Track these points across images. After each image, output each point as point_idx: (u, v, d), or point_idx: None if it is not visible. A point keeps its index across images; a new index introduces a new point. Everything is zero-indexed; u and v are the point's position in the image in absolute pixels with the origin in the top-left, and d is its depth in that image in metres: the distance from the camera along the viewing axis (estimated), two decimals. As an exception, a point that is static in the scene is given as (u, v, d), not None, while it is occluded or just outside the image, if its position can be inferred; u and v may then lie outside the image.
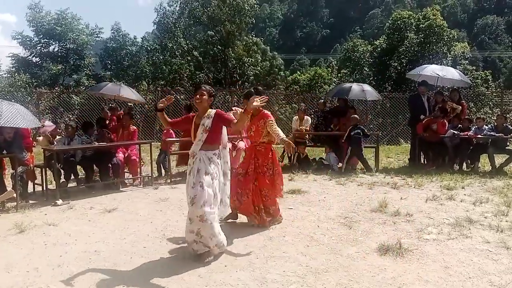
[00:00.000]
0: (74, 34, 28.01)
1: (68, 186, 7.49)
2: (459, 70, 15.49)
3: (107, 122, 8.82)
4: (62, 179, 7.29)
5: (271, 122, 5.08)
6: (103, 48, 33.47)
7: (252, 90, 5.30)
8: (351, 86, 10.33)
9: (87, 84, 24.06)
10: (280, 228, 5.11)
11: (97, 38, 31.28)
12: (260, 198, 5.14)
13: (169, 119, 4.58)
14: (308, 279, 3.67)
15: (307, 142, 10.26)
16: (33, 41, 28.18)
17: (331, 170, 8.96)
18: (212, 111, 4.28)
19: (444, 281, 3.59)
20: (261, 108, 5.05)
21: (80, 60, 28.68)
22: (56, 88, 18.84)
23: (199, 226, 4.01)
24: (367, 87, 10.39)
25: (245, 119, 4.33)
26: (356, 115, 9.26)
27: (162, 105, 4.38)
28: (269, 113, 5.24)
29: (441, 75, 9.65)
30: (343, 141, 9.15)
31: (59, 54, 28.65)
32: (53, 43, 28.54)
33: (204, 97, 4.27)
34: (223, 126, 4.37)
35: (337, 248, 4.43)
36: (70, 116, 15.96)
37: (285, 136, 5.04)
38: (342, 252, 4.31)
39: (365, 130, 9.12)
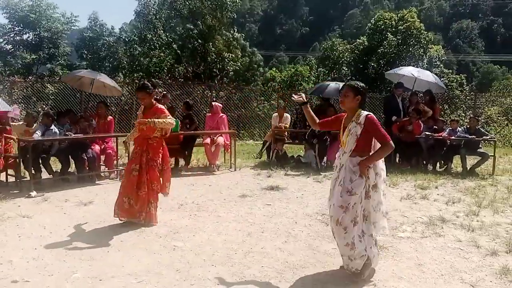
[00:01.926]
0: (49, 22, 27.29)
1: (43, 178, 7.33)
2: (436, 73, 15.87)
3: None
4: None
5: (163, 116, 5.01)
6: (79, 37, 32.74)
7: (140, 85, 5.14)
8: (328, 85, 10.43)
9: (61, 74, 23.49)
10: (258, 224, 5.15)
11: (73, 27, 30.55)
12: (152, 192, 5.06)
13: (317, 119, 4.00)
14: (286, 275, 3.72)
15: (286, 139, 10.32)
16: (6, 28, 27.34)
17: (309, 168, 9.05)
18: (363, 114, 3.57)
19: (418, 278, 3.69)
20: (154, 102, 5.11)
21: (55, 49, 27.98)
22: (30, 77, 18.33)
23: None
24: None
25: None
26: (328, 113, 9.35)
27: (301, 99, 3.97)
28: (163, 108, 5.19)
29: (416, 75, 9.87)
30: (306, 137, 9.32)
31: (33, 42, 27.89)
32: (27, 31, 27.75)
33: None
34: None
35: (314, 244, 4.50)
36: (44, 106, 15.55)
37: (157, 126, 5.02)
38: (319, 248, 4.38)
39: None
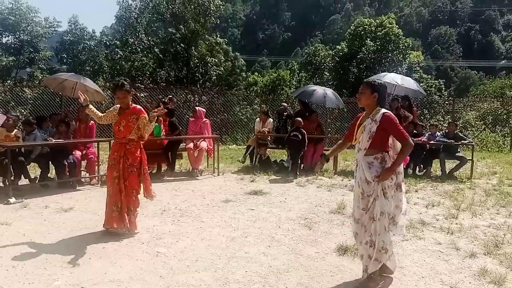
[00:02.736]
0: (30, 26, 26.87)
1: (21, 183, 7.19)
2: (415, 78, 16.14)
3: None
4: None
5: (144, 120, 4.84)
6: (60, 41, 32.31)
7: (120, 84, 4.85)
8: (315, 90, 10.37)
9: (41, 78, 23.12)
10: (242, 229, 5.15)
11: (54, 31, 30.16)
12: (131, 199, 4.90)
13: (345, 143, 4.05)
14: (270, 279, 3.73)
15: (269, 143, 10.36)
16: (-16, 31, 26.87)
17: (291, 172, 9.09)
18: (380, 111, 3.54)
19: (399, 281, 3.75)
20: (132, 103, 4.94)
21: (35, 53, 27.54)
22: (8, 81, 18.00)
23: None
24: (330, 93, 10.37)
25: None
26: (299, 119, 9.43)
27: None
28: (142, 108, 4.99)
29: (399, 83, 9.98)
30: (284, 142, 9.41)
31: (13, 45, 27.40)
32: (7, 34, 27.26)
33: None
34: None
35: (297, 248, 4.53)
36: (22, 110, 15.27)
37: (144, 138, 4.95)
38: (302, 252, 4.41)
39: (305, 135, 9.20)
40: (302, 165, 9.43)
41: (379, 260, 3.52)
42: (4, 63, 25.68)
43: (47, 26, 29.18)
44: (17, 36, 27.21)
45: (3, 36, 27.45)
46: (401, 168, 3.62)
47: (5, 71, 25.78)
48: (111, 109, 5.00)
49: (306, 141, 9.15)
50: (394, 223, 3.59)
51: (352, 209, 3.76)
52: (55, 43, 32.64)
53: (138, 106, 4.98)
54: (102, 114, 5.01)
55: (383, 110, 3.51)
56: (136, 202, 4.96)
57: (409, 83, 10.26)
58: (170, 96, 11.96)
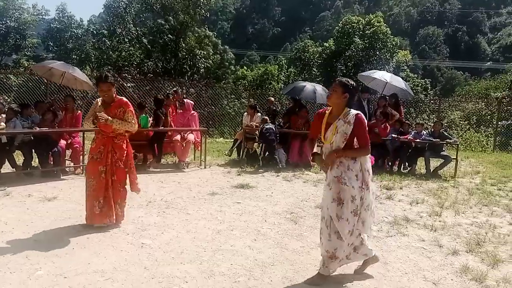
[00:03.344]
0: (17, 12, 26.36)
1: (3, 171, 7.06)
2: (402, 77, 16.26)
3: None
4: None
5: (129, 114, 4.73)
6: (47, 29, 31.78)
7: (103, 76, 4.63)
8: (304, 86, 10.40)
9: (27, 65, 22.72)
10: (228, 222, 5.14)
11: (42, 19, 29.66)
12: (118, 193, 4.80)
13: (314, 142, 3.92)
14: (255, 272, 3.74)
15: (257, 138, 10.35)
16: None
17: (279, 167, 9.10)
18: (351, 112, 3.55)
19: (383, 276, 3.79)
20: (116, 95, 4.78)
21: (21, 40, 27.04)
22: (-8, 68, 17.64)
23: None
24: (320, 89, 10.42)
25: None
26: (266, 117, 9.72)
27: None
28: (128, 102, 4.84)
29: (388, 80, 10.05)
30: (258, 137, 9.51)
31: (-1, 32, 26.91)
32: (-7, 20, 26.74)
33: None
34: None
35: (283, 242, 4.54)
36: (6, 97, 14.98)
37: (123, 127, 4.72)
38: (288, 246, 4.42)
39: (276, 129, 9.37)
40: (288, 160, 9.46)
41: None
42: None
43: (35, 13, 28.68)
44: (3, 22, 26.66)
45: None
46: (369, 165, 3.66)
47: (-10, 58, 25.32)
48: (92, 106, 4.82)
49: (277, 136, 9.30)
50: (362, 222, 3.59)
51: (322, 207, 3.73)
52: (42, 31, 32.08)
53: (124, 98, 4.81)
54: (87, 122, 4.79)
55: (355, 111, 3.54)
56: (124, 194, 4.88)
57: (399, 82, 10.33)
58: (175, 88, 11.87)
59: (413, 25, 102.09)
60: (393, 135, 9.34)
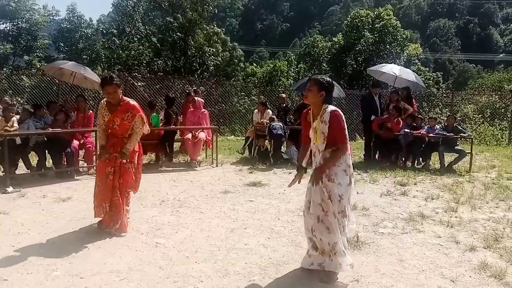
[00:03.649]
0: (28, 14, 26.65)
1: (18, 173, 7.14)
2: (413, 71, 16.07)
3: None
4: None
5: (138, 121, 4.53)
6: (57, 29, 32.09)
7: (108, 77, 4.43)
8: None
9: (39, 66, 22.95)
10: (241, 220, 5.13)
11: (52, 19, 29.97)
12: (124, 197, 4.60)
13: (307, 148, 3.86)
14: (269, 271, 3.72)
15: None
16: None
17: (291, 164, 9.07)
18: (327, 110, 3.49)
19: (399, 274, 3.74)
20: (123, 97, 4.53)
21: (33, 41, 27.33)
22: (4, 69, 17.83)
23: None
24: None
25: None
26: (273, 116, 9.78)
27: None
28: (137, 105, 4.57)
29: (397, 74, 9.93)
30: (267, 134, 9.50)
31: (11, 33, 27.18)
32: (5, 21, 27.01)
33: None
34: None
35: (297, 240, 4.51)
36: (19, 99, 15.14)
37: (131, 144, 4.55)
38: (302, 244, 4.39)
39: (284, 126, 9.40)
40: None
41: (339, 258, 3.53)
42: (2, 51, 25.47)
43: (46, 14, 28.97)
44: (15, 24, 26.97)
45: (1, 23, 27.23)
46: (350, 161, 3.62)
47: (3, 59, 25.59)
48: (99, 109, 4.61)
49: (286, 132, 9.34)
50: (348, 217, 3.60)
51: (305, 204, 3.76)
52: (53, 31, 32.41)
53: (132, 101, 4.56)
54: (100, 131, 4.66)
55: (330, 108, 3.47)
56: (129, 200, 4.72)
57: (408, 74, 10.20)
58: (195, 87, 11.98)
59: (423, 17, 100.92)
60: (406, 130, 9.23)
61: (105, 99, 4.55)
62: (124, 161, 4.52)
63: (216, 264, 3.83)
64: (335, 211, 3.46)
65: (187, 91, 10.89)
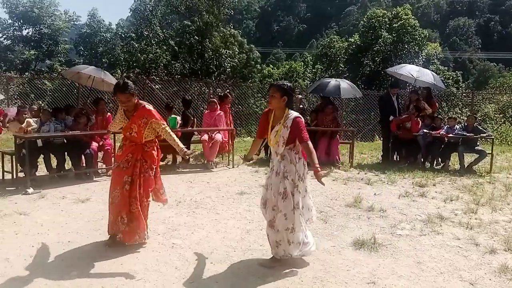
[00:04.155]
0: (50, 19, 27.29)
1: (38, 174, 7.28)
2: (432, 70, 15.84)
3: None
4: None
5: (159, 123, 4.19)
6: (78, 34, 32.80)
7: (121, 85, 4.05)
8: (329, 82, 10.27)
9: (60, 70, 23.45)
10: (257, 221, 5.13)
11: (74, 23, 30.67)
12: (144, 208, 4.25)
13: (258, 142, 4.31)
14: (284, 273, 3.70)
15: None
16: (6, 23, 27.30)
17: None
18: (290, 116, 3.70)
19: (417, 276, 3.69)
20: (139, 101, 4.21)
21: (54, 46, 27.95)
22: (27, 73, 18.25)
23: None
24: (344, 84, 10.29)
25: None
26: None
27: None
28: (152, 109, 4.23)
29: (415, 76, 9.76)
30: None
31: (33, 38, 27.87)
32: (28, 26, 27.74)
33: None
34: None
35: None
36: (41, 102, 15.48)
37: (183, 146, 4.32)
38: (318, 246, 4.35)
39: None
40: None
41: (296, 242, 3.74)
42: (26, 56, 26.11)
43: (67, 19, 29.64)
44: (37, 29, 27.64)
45: (24, 28, 27.95)
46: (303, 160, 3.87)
47: (25, 63, 26.22)
48: (117, 114, 4.34)
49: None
50: (309, 209, 3.90)
51: (264, 197, 3.89)
52: (74, 36, 33.15)
53: (147, 106, 4.21)
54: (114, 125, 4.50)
55: (293, 115, 3.69)
56: (148, 206, 4.37)
57: (427, 76, 9.97)
58: (228, 91, 12.23)
59: (442, 16, 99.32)
60: (425, 130, 9.10)
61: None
62: (146, 166, 4.20)
63: (232, 265, 3.84)
64: (290, 206, 3.67)
65: (219, 94, 11.29)
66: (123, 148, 4.29)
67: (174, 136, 4.29)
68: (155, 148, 4.37)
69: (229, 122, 10.18)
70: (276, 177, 3.75)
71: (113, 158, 7.98)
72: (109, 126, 4.52)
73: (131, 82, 4.10)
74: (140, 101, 4.27)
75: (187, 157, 4.62)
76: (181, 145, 4.27)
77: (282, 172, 3.72)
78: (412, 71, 9.89)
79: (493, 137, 9.74)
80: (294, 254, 3.77)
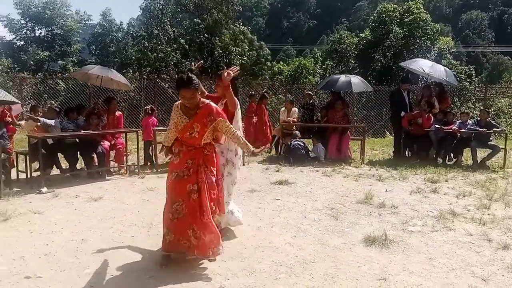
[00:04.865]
0: (62, 20, 27.62)
1: (52, 174, 7.39)
2: (444, 65, 15.65)
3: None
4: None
5: (226, 123, 3.79)
6: (91, 33, 33.16)
7: (186, 80, 3.53)
8: (339, 78, 10.25)
9: (72, 70, 23.71)
10: (267, 219, 5.15)
11: (86, 23, 31.00)
12: (213, 216, 3.84)
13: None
14: (296, 269, 3.72)
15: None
16: (19, 24, 27.66)
17: (318, 162, 9.02)
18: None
19: (428, 273, 3.67)
20: (201, 99, 3.76)
21: (67, 46, 28.27)
22: (39, 74, 18.47)
23: None
24: (355, 79, 10.28)
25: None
26: (297, 132, 9.78)
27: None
28: (216, 106, 3.84)
29: (427, 72, 9.65)
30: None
31: (45, 39, 28.21)
32: (40, 27, 28.10)
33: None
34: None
35: (324, 239, 4.49)
36: (53, 102, 15.66)
37: (247, 142, 3.96)
38: (329, 242, 4.37)
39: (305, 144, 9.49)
40: (326, 155, 9.35)
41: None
42: (39, 56, 26.45)
43: (78, 19, 29.96)
44: (49, 30, 27.98)
45: (38, 29, 28.30)
46: (233, 145, 4.36)
47: (39, 63, 26.57)
48: (173, 112, 3.80)
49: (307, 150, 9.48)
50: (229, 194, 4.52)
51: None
52: (88, 36, 33.51)
53: (212, 104, 3.79)
54: (169, 135, 3.95)
55: (205, 102, 3.77)
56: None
57: (439, 72, 9.79)
58: (265, 91, 12.62)
59: (455, 10, 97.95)
60: (437, 126, 9.01)
61: (179, 101, 3.78)
62: (207, 171, 3.77)
63: (243, 262, 3.86)
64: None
65: (264, 92, 12.37)
66: (181, 155, 3.79)
67: (240, 135, 3.93)
68: (215, 151, 3.94)
69: (266, 121, 10.95)
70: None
71: (124, 157, 8.07)
72: (166, 138, 4.02)
73: (194, 76, 3.62)
74: (203, 99, 3.81)
75: (257, 154, 4.68)
76: (249, 145, 3.94)
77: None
78: (424, 66, 9.77)
79: (506, 131, 9.62)
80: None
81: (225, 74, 4.11)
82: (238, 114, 4.38)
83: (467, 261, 3.90)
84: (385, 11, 28.84)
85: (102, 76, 9.11)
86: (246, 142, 3.94)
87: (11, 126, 7.57)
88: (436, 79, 9.95)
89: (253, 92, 13.31)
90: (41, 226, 4.77)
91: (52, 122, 7.25)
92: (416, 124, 9.21)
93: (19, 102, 6.74)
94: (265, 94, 11.59)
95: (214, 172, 3.83)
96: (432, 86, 10.13)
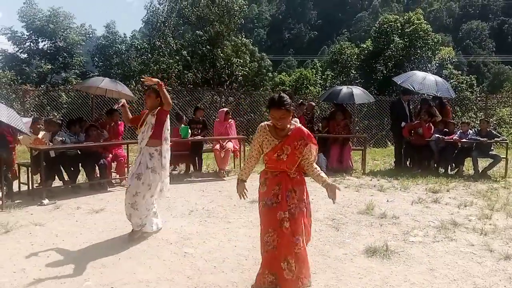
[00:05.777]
0: (65, 32, 27.91)
1: (54, 186, 7.40)
2: (445, 75, 15.65)
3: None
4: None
5: (312, 150, 3.44)
6: (95, 45, 33.49)
7: (277, 100, 3.24)
8: (341, 90, 10.26)
9: (75, 83, 23.86)
10: (268, 230, 5.13)
11: (90, 36, 31.30)
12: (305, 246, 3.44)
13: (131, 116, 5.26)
14: (296, 281, 3.70)
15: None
16: (22, 37, 27.91)
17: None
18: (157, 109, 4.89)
19: (430, 283, 3.66)
20: (291, 122, 3.40)
21: (70, 59, 28.50)
22: (42, 86, 18.59)
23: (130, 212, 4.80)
24: (357, 90, 10.28)
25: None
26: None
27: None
28: (308, 131, 3.47)
29: (416, 89, 9.51)
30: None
31: (49, 51, 28.43)
32: (43, 39, 28.36)
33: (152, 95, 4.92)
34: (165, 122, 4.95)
35: (325, 249, 4.48)
36: (56, 114, 15.74)
37: (324, 175, 3.55)
38: (330, 253, 4.36)
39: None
40: (327, 165, 9.34)
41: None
42: (42, 69, 26.67)
43: (82, 32, 30.25)
44: (53, 42, 28.25)
45: (41, 40, 28.57)
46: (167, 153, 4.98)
47: (41, 76, 26.76)
48: (258, 139, 3.50)
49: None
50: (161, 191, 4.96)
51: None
52: (92, 47, 33.84)
53: (304, 128, 3.48)
54: (249, 164, 3.84)
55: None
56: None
57: (428, 87, 9.47)
58: (301, 100, 12.40)
59: (455, 20, 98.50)
60: (438, 136, 9.02)
61: (267, 122, 3.51)
62: (296, 198, 3.44)
63: (243, 274, 3.85)
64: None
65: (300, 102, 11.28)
66: (267, 182, 3.54)
67: (318, 169, 3.56)
68: (302, 174, 3.57)
69: None
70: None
71: (126, 169, 8.08)
72: (244, 169, 3.92)
73: (287, 97, 3.31)
74: (293, 123, 3.48)
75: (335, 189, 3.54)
76: (326, 178, 3.55)
77: None
78: (414, 83, 9.47)
79: (507, 141, 9.61)
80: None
81: (146, 78, 4.79)
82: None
83: (469, 272, 3.89)
84: (386, 22, 29.02)
85: (107, 89, 9.15)
86: (324, 175, 3.54)
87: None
88: (427, 94, 9.94)
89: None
90: (42, 238, 4.78)
91: (61, 138, 7.28)
92: (417, 134, 9.23)
93: (28, 133, 6.72)
94: (302, 103, 10.66)
95: (304, 196, 3.51)
96: (430, 99, 10.15)
